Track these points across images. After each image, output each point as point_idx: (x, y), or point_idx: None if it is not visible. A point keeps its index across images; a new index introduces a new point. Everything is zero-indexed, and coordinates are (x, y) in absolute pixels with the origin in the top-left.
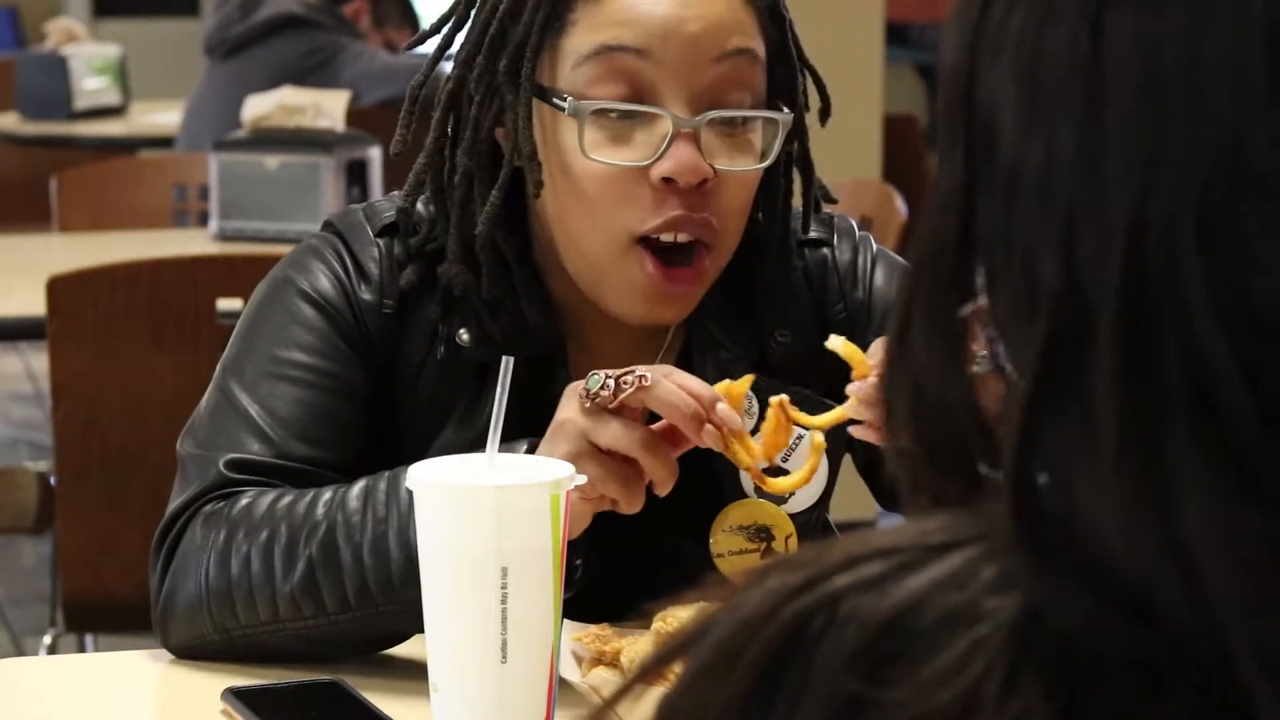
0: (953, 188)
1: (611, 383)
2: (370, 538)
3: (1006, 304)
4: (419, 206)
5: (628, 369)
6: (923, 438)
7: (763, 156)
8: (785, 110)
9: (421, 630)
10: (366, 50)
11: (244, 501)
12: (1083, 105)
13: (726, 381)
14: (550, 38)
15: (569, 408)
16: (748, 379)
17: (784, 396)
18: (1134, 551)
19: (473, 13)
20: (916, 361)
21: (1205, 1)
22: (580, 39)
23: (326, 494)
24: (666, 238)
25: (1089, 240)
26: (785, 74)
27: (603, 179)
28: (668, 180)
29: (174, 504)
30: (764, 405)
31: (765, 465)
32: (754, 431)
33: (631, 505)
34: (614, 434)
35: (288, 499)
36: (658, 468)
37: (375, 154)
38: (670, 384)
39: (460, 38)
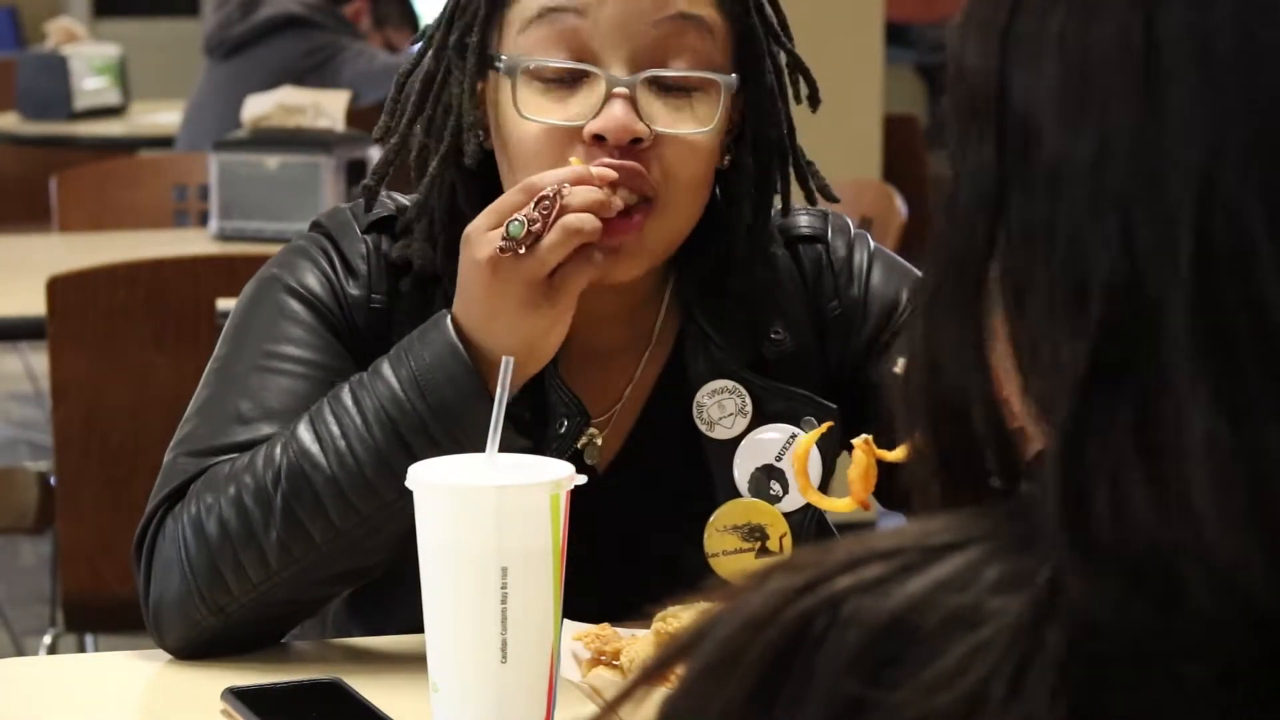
0: (981, 188)
1: (536, 215)
2: (334, 453)
3: (1045, 299)
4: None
5: (531, 202)
6: (940, 437)
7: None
8: (730, 76)
9: (407, 528)
10: (366, 50)
11: (206, 475)
12: (1138, 98)
13: (801, 440)
14: (499, 8)
15: (494, 279)
16: (817, 431)
17: (867, 436)
18: (1226, 536)
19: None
20: (938, 361)
21: None
22: (525, 5)
23: (278, 442)
24: None
25: (1150, 230)
26: (751, 51)
27: (537, 139)
28: (599, 139)
29: (150, 504)
30: (756, 401)
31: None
32: (749, 429)
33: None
34: (553, 251)
35: (244, 459)
36: (594, 226)
37: (375, 154)
38: (579, 190)
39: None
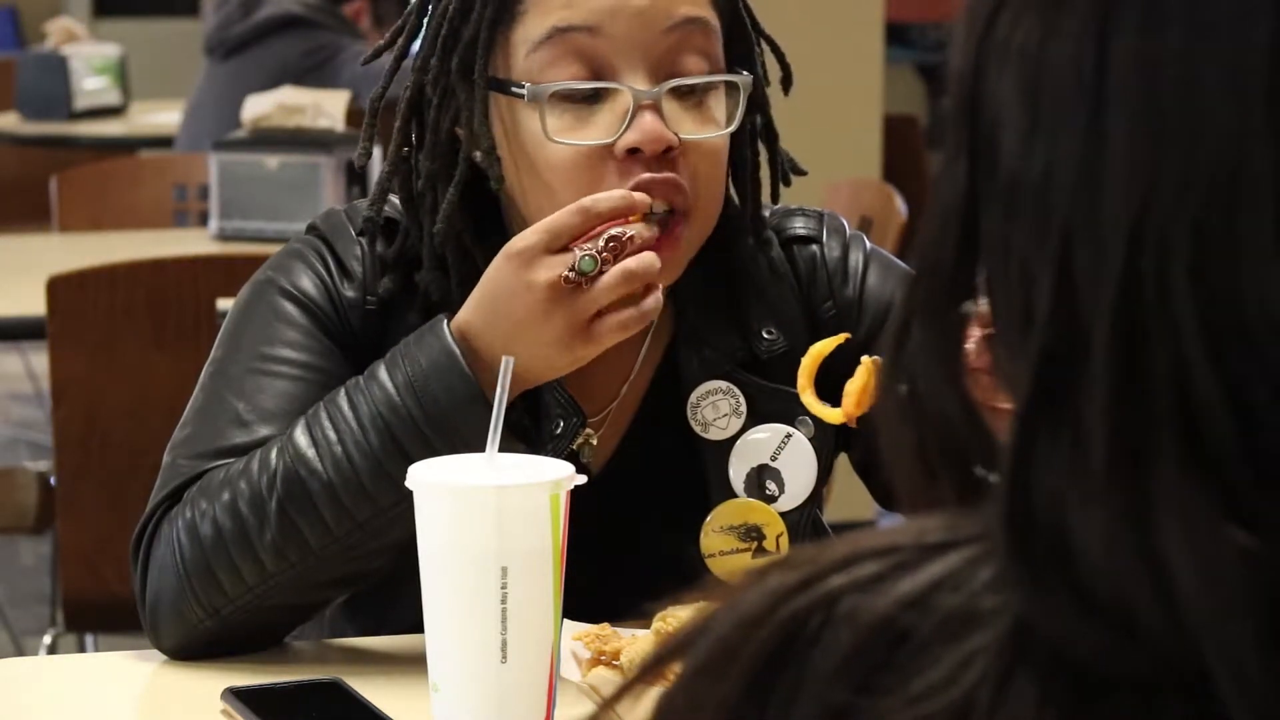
0: (955, 194)
1: (607, 254)
2: (330, 458)
3: (1004, 316)
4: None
5: (596, 235)
6: (917, 442)
7: (727, 123)
8: (745, 74)
9: (403, 534)
10: (366, 51)
11: (201, 480)
12: (1084, 120)
13: (821, 344)
14: (501, 30)
15: (549, 305)
16: (836, 340)
17: (877, 358)
18: (1114, 568)
19: (425, 19)
20: (914, 366)
21: (1205, 24)
22: (530, 27)
23: (274, 446)
24: None
25: (1085, 255)
26: (741, 44)
27: (569, 162)
28: (633, 151)
29: (149, 506)
30: (750, 401)
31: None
32: (743, 430)
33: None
34: (607, 292)
35: (239, 463)
36: (651, 270)
37: (375, 154)
38: (636, 227)
39: (415, 47)
